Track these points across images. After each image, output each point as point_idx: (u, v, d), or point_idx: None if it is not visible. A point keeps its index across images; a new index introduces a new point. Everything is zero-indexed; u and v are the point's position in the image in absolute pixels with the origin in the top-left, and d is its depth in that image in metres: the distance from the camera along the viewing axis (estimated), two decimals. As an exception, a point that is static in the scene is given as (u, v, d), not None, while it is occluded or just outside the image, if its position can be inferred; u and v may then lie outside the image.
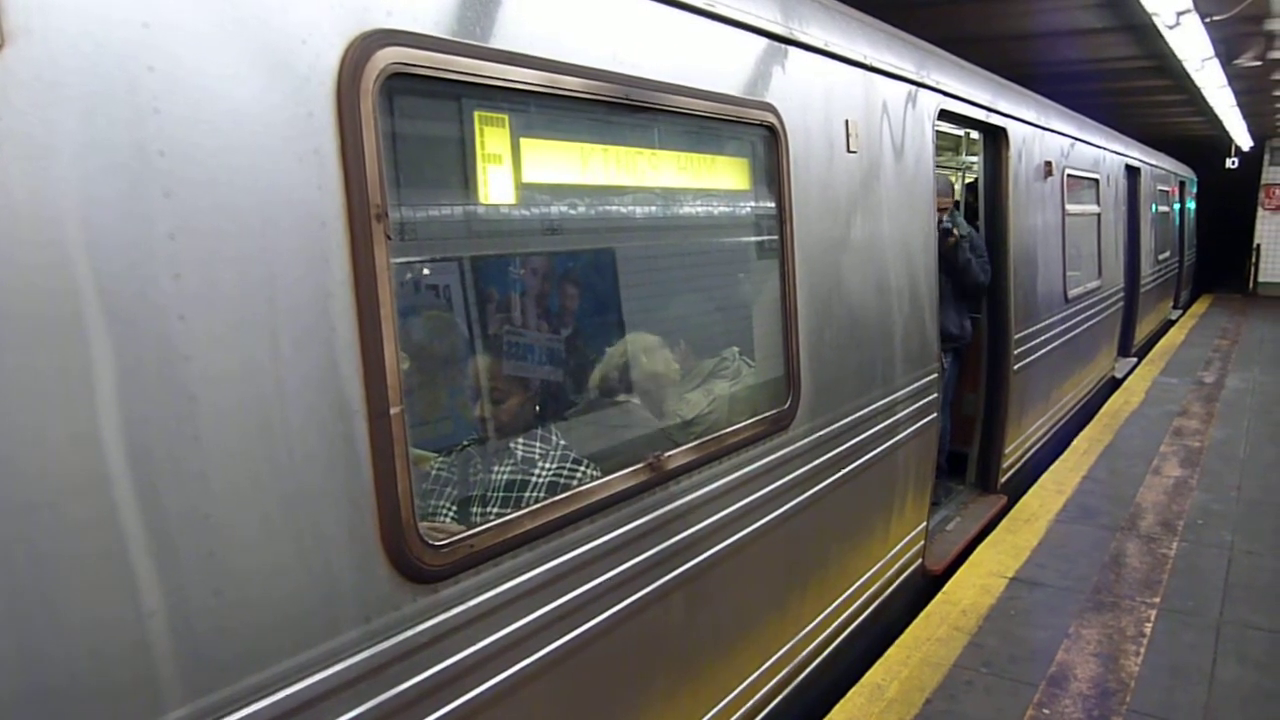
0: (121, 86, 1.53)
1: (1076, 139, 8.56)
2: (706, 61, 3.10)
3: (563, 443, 2.88)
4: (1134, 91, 13.66)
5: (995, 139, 6.39)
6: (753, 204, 3.67)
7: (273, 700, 1.76)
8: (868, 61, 4.21)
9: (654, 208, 3.26)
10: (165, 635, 1.60)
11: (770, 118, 3.39)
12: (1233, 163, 19.54)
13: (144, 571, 1.57)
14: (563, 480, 2.72)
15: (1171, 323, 16.44)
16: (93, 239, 1.50)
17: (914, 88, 4.79)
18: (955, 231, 5.99)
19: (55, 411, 1.46)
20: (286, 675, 1.78)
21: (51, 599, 1.46)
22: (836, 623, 4.12)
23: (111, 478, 1.52)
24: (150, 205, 1.57)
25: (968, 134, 7.27)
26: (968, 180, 8.68)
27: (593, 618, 2.59)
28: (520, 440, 2.86)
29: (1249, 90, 12.55)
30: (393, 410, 1.95)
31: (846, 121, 3.99)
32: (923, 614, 4.73)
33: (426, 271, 3.14)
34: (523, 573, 2.33)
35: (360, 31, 1.91)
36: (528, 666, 2.36)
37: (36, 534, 1.44)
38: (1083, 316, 8.92)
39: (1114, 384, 10.84)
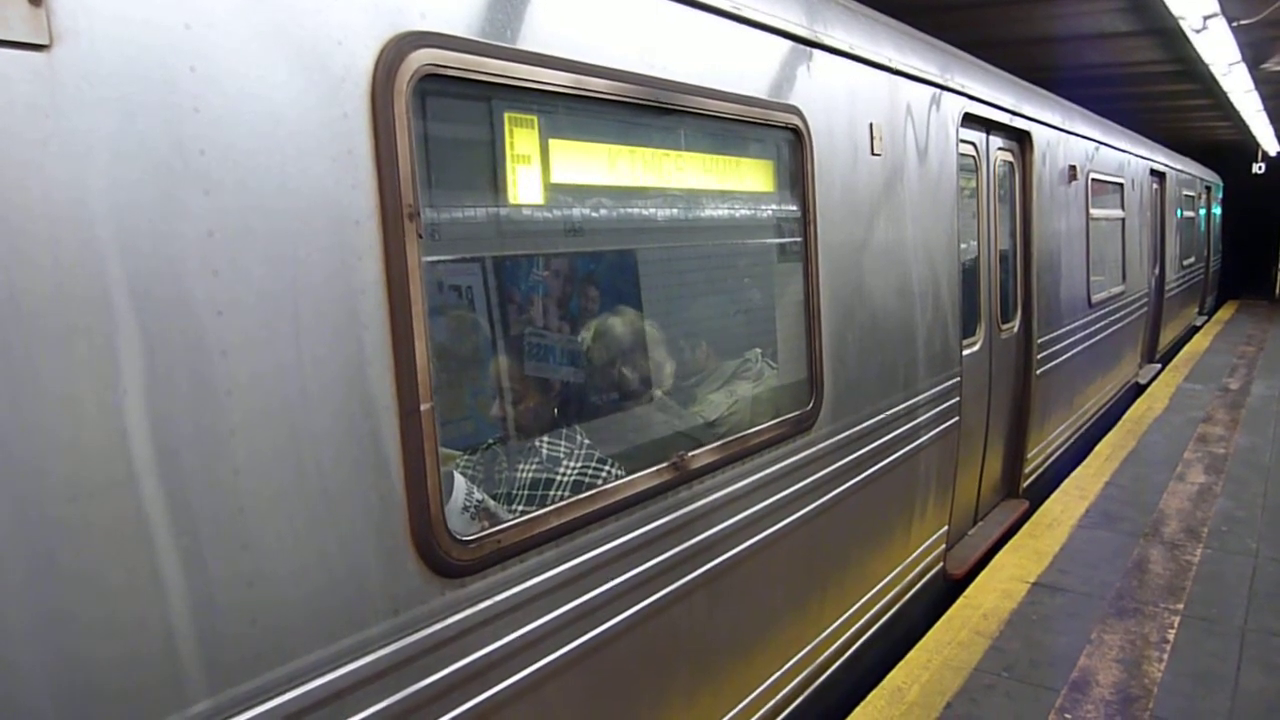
0: (163, 86, 1.57)
1: (1101, 143, 8.51)
2: (732, 64, 3.11)
3: (587, 441, 2.90)
4: (1159, 96, 13.56)
5: (1019, 143, 6.36)
6: (776, 206, 3.68)
7: (303, 690, 1.78)
8: (892, 65, 4.21)
9: (678, 210, 3.27)
10: (200, 626, 1.63)
11: (795, 120, 3.40)
12: (1259, 168, 19.34)
13: (180, 564, 1.60)
14: (587, 479, 2.74)
15: (1196, 328, 16.29)
16: (134, 235, 1.53)
17: (938, 91, 4.79)
18: None
19: (90, 410, 1.49)
20: (317, 666, 1.81)
21: (88, 590, 1.49)
22: (857, 625, 4.12)
23: (148, 471, 1.55)
24: (190, 203, 1.60)
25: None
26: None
27: (615, 615, 2.61)
28: (545, 439, 2.88)
29: (1276, 95, 12.43)
30: (423, 406, 1.98)
31: (871, 124, 3.99)
32: (944, 618, 4.72)
33: (457, 271, 3.16)
34: (548, 569, 2.35)
35: (394, 34, 1.94)
36: (551, 662, 2.38)
37: (77, 526, 1.47)
38: (1106, 321, 8.86)
39: (1138, 390, 10.75)
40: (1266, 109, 13.18)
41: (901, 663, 4.26)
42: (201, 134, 1.62)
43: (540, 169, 2.56)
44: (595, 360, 3.27)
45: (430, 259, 2.09)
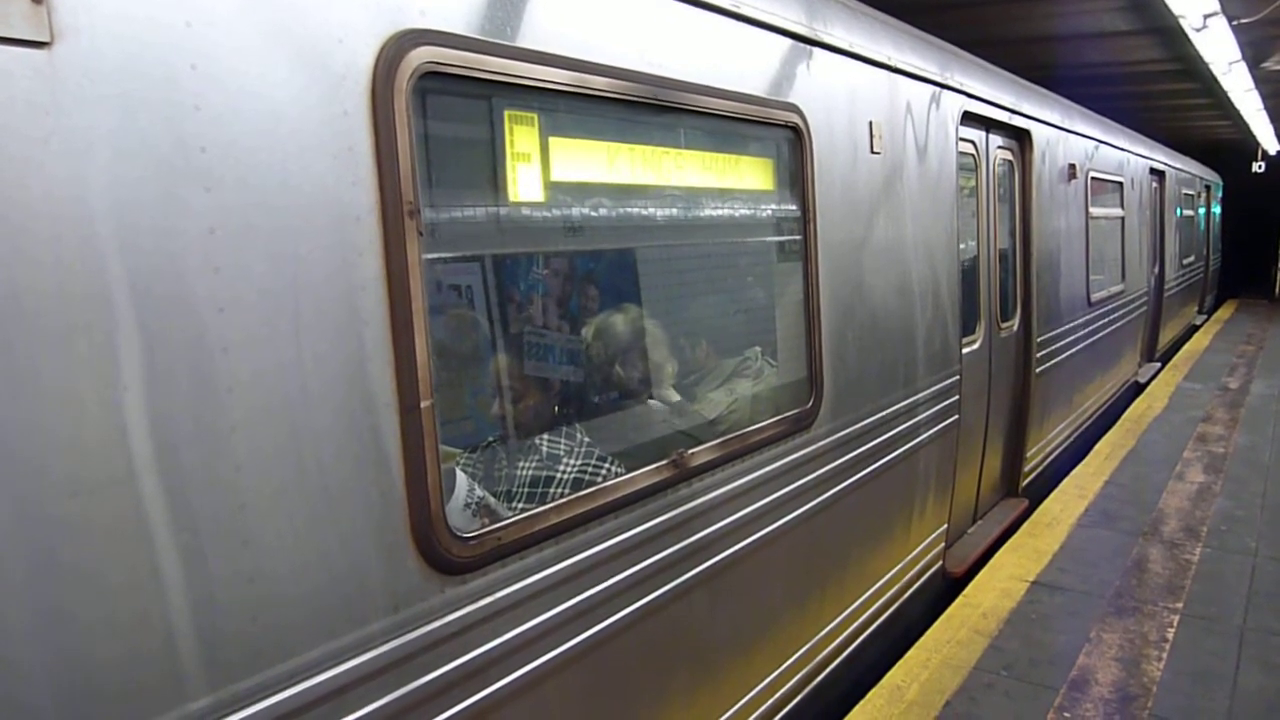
0: (164, 83, 1.57)
1: (1101, 142, 8.51)
2: (732, 62, 3.11)
3: (587, 439, 2.90)
4: (1159, 95, 13.56)
5: (1019, 141, 6.37)
6: (776, 205, 3.68)
7: (303, 687, 1.78)
8: (891, 63, 4.21)
9: (678, 208, 3.27)
10: (200, 623, 1.63)
11: (795, 118, 3.40)
12: (1259, 167, 19.33)
13: (181, 561, 1.60)
14: (587, 477, 2.74)
15: (1196, 328, 16.29)
16: (135, 233, 1.53)
17: (938, 89, 4.79)
18: None
19: (91, 407, 1.49)
20: (317, 663, 1.81)
21: (88, 588, 1.49)
22: (856, 623, 4.13)
23: (148, 468, 1.55)
24: (191, 200, 1.60)
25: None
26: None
27: (615, 612, 2.61)
28: (545, 437, 2.88)
29: (1276, 94, 12.43)
30: (423, 403, 1.98)
31: (870, 123, 4.00)
32: (943, 616, 4.72)
33: (457, 270, 3.16)
34: (548, 566, 2.36)
35: (395, 31, 1.94)
36: (551, 659, 2.38)
37: (77, 523, 1.47)
38: (1106, 320, 8.86)
39: (1137, 389, 10.76)
40: (1266, 108, 13.18)
41: (901, 661, 4.26)
42: (202, 131, 1.62)
43: (540, 167, 2.56)
44: (595, 358, 3.27)
45: (430, 256, 2.09)
